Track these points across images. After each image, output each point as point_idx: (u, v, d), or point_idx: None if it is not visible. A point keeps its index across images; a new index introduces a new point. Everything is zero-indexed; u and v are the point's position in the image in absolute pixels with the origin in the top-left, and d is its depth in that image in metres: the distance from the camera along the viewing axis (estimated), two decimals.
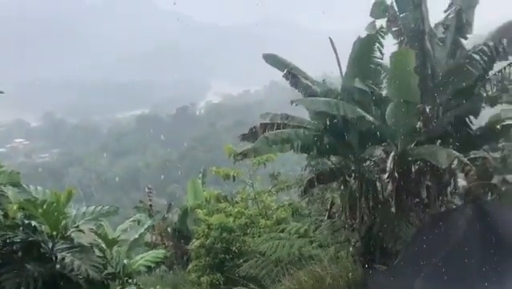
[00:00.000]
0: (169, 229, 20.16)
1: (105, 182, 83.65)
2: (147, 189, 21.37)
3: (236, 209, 14.26)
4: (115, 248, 6.48)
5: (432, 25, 12.19)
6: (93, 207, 6.03)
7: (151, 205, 20.40)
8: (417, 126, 11.87)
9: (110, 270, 6.10)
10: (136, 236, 7.43)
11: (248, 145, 13.14)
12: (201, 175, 20.67)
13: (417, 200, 11.62)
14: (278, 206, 14.71)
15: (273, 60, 12.76)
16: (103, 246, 6.33)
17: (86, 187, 74.08)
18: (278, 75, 12.80)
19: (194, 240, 14.25)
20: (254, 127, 12.78)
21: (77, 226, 5.82)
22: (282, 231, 12.81)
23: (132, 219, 7.33)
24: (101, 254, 6.12)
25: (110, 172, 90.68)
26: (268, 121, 13.19)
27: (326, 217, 13.11)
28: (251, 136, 12.85)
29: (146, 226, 7.75)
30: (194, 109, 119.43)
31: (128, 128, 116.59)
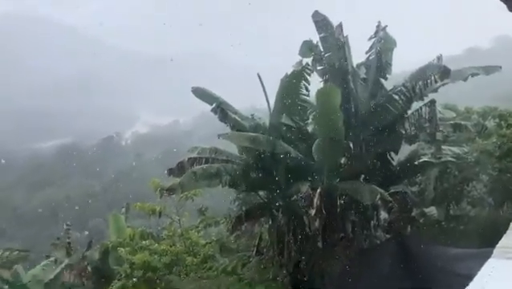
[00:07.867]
0: (89, 268, 18.86)
1: (21, 216, 77.30)
2: (65, 226, 19.99)
3: (161, 247, 13.61)
4: None
5: (355, 65, 12.78)
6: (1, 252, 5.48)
7: (69, 243, 19.03)
8: (342, 162, 12.24)
9: None
10: (52, 277, 6.82)
11: (175, 180, 12.78)
12: (123, 210, 19.68)
13: (343, 234, 11.81)
14: (206, 243, 14.26)
15: (202, 94, 12.67)
16: None
17: None
18: (208, 106, 12.71)
19: (116, 281, 13.35)
20: (182, 161, 12.45)
21: None
22: (210, 269, 12.41)
23: (47, 260, 6.74)
24: None
25: (26, 205, 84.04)
26: (196, 155, 12.96)
27: (254, 253, 12.91)
28: (179, 170, 12.49)
29: (63, 266, 7.15)
30: (120, 139, 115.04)
31: (46, 158, 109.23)
